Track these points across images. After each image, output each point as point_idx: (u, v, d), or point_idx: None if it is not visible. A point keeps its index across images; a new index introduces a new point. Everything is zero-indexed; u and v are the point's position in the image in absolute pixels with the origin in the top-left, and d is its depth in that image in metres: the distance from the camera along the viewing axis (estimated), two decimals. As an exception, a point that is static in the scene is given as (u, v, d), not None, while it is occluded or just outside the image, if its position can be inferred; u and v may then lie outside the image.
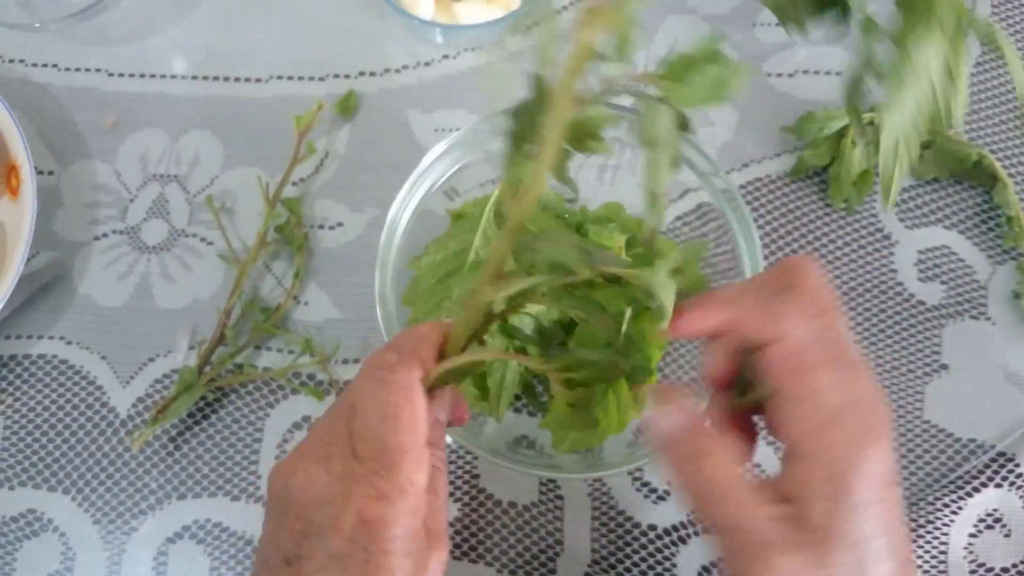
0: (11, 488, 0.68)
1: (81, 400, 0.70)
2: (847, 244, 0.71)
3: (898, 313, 0.69)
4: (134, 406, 0.69)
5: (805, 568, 0.34)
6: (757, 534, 0.35)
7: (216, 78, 0.78)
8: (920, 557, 0.63)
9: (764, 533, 0.35)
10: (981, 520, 0.64)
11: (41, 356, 0.71)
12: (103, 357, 0.71)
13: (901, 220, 0.71)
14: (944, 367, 0.68)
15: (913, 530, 0.63)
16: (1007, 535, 0.64)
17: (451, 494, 0.66)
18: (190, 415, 0.68)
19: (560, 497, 0.66)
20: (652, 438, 0.39)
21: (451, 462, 0.67)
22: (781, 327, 0.37)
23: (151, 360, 0.70)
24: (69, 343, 0.71)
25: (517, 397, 0.68)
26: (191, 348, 0.70)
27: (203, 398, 0.68)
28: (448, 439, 0.59)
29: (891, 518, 0.35)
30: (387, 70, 0.77)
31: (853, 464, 0.35)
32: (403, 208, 0.61)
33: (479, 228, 0.63)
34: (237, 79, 0.78)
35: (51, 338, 0.71)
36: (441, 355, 0.43)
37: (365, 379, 0.41)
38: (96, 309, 0.72)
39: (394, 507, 0.38)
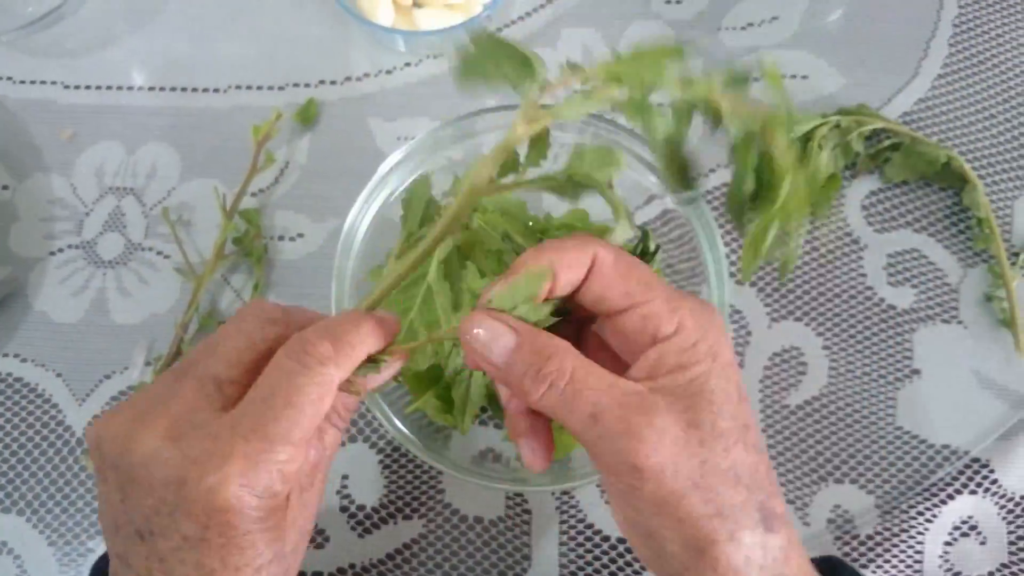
0: (-38, 511, 0.66)
1: (36, 419, 0.68)
2: (815, 249, 0.70)
3: (868, 318, 0.68)
4: (90, 424, 0.67)
5: (672, 433, 0.36)
6: (615, 419, 0.36)
7: (174, 89, 0.77)
8: (895, 566, 0.62)
9: (623, 415, 0.36)
10: (956, 528, 0.63)
11: (-6, 374, 0.69)
12: (58, 374, 0.69)
13: (870, 224, 0.70)
14: (916, 372, 0.67)
15: (887, 539, 0.62)
16: (982, 543, 0.63)
17: (415, 510, 0.64)
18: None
19: (527, 511, 0.64)
20: (488, 365, 0.39)
21: (415, 477, 0.65)
22: (589, 252, 0.39)
23: (107, 377, 0.69)
24: (24, 360, 0.70)
25: (483, 409, 0.66)
26: (147, 364, 0.68)
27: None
28: (413, 451, 0.57)
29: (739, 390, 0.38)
30: (348, 78, 0.76)
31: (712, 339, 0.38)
32: (361, 217, 0.60)
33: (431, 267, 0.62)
34: (195, 89, 0.76)
35: (5, 355, 0.70)
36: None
37: (286, 355, 0.38)
38: (51, 325, 0.70)
39: (258, 497, 0.36)
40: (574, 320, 0.43)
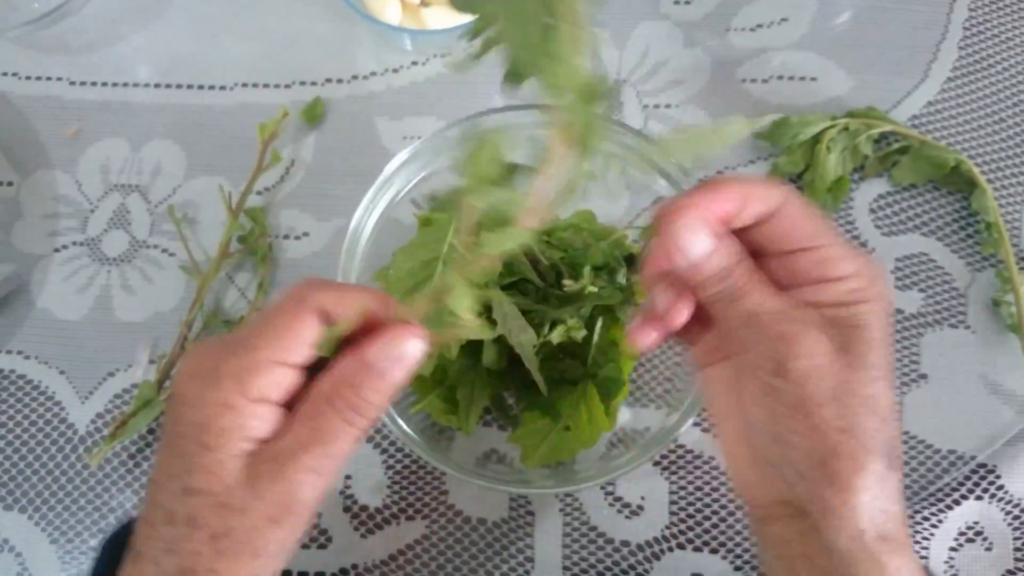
0: (-35, 508, 0.66)
1: (39, 416, 0.68)
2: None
3: (876, 322, 0.68)
4: (93, 422, 0.67)
5: (824, 347, 0.38)
6: (775, 320, 0.39)
7: (179, 86, 0.76)
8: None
9: (782, 319, 0.39)
10: (962, 533, 0.63)
11: (-2, 371, 0.69)
12: (62, 372, 0.69)
13: (878, 227, 0.70)
14: (923, 377, 0.66)
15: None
16: (988, 548, 0.63)
17: (418, 511, 0.64)
18: (150, 431, 0.67)
19: (531, 513, 0.64)
20: (680, 259, 0.40)
21: (419, 478, 0.65)
22: (776, 193, 0.41)
23: (111, 375, 0.68)
24: (27, 357, 0.69)
25: (487, 410, 0.66)
26: (151, 362, 0.68)
27: (163, 414, 0.66)
28: (417, 452, 0.57)
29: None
30: (355, 77, 0.76)
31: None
32: (366, 216, 0.60)
33: (447, 237, 0.61)
34: (201, 87, 0.76)
35: (8, 352, 0.70)
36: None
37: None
38: (55, 323, 0.70)
39: (201, 390, 0.36)
40: None
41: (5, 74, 0.77)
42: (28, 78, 0.77)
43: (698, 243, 0.40)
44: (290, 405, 0.38)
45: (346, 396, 0.38)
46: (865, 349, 0.39)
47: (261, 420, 0.37)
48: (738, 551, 0.63)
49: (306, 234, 0.71)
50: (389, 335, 0.38)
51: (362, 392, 0.38)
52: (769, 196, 0.40)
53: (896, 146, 0.71)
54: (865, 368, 0.38)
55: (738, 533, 0.63)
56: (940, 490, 0.64)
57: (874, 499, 0.38)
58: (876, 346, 0.39)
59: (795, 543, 0.40)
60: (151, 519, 0.37)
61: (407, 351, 0.38)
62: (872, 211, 0.70)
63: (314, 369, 0.39)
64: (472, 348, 0.60)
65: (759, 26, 0.76)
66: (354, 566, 0.63)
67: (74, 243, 0.72)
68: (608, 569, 0.63)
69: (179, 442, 0.37)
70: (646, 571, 0.63)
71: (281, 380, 0.37)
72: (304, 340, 0.37)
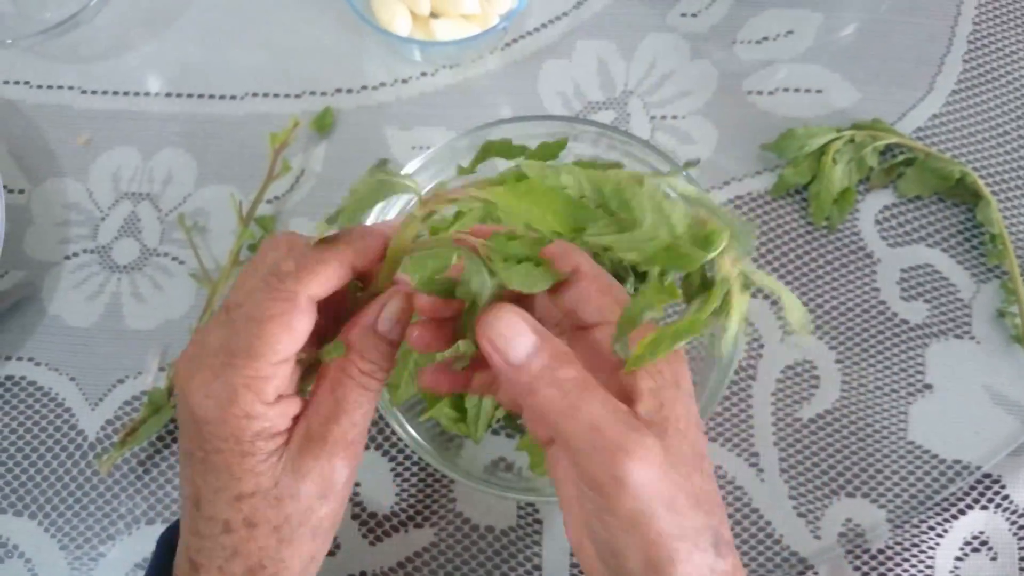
0: (-25, 513, 0.66)
1: (49, 423, 0.68)
2: (829, 263, 0.70)
3: (881, 332, 0.68)
4: (103, 429, 0.68)
5: (656, 454, 0.36)
6: (613, 433, 0.36)
7: (190, 95, 0.77)
8: (905, 581, 0.62)
9: (620, 430, 0.36)
10: (967, 543, 0.63)
11: (8, 378, 0.69)
12: (72, 379, 0.69)
13: (883, 238, 0.70)
14: (928, 387, 0.67)
15: (898, 553, 0.62)
16: (993, 558, 0.63)
17: (426, 519, 0.64)
18: (159, 438, 0.67)
19: (539, 521, 0.64)
20: (502, 362, 0.38)
21: (427, 485, 0.65)
22: (575, 260, 0.41)
23: (120, 382, 0.69)
24: (38, 364, 0.70)
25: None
26: (161, 369, 0.69)
27: (173, 421, 0.67)
28: (426, 459, 0.58)
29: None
30: (364, 87, 0.77)
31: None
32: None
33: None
34: (212, 96, 0.77)
35: (19, 359, 0.70)
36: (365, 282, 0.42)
37: (252, 275, 0.39)
38: (65, 330, 0.70)
39: (222, 409, 0.37)
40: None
41: (17, 83, 0.78)
42: (40, 87, 0.78)
43: (517, 338, 0.38)
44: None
45: (358, 363, 0.40)
46: (679, 443, 0.37)
47: (283, 415, 0.39)
48: (744, 560, 0.63)
49: (316, 243, 0.72)
50: (384, 299, 0.41)
51: (370, 356, 0.40)
52: (569, 260, 0.40)
53: (901, 158, 0.71)
54: (682, 464, 0.37)
55: (745, 542, 0.64)
56: (945, 499, 0.64)
57: None
58: (685, 435, 0.38)
59: None
60: (205, 533, 0.39)
61: (400, 309, 0.41)
62: (878, 222, 0.71)
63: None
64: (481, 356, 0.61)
65: (765, 38, 0.77)
66: (362, 573, 0.63)
67: (85, 251, 0.72)
68: (615, 577, 0.63)
69: (215, 458, 0.38)
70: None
71: (289, 373, 0.39)
72: (302, 334, 0.38)
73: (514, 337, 0.38)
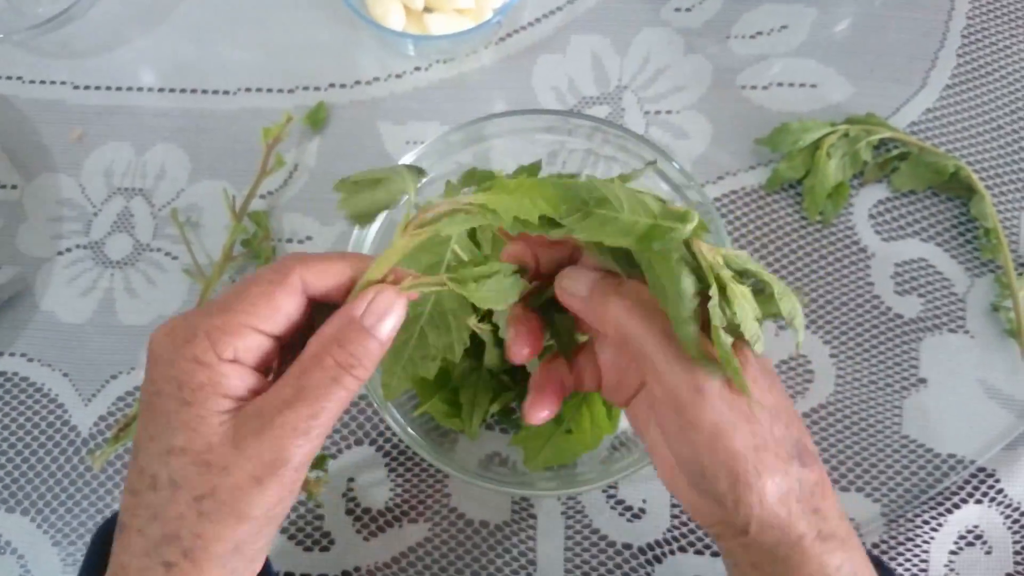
0: (-33, 510, 0.66)
1: (42, 418, 0.68)
2: (823, 257, 0.70)
3: (875, 327, 0.68)
4: (96, 424, 0.67)
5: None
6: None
7: (183, 90, 0.77)
8: (901, 575, 0.62)
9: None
10: (962, 537, 0.63)
11: (1, 373, 0.69)
12: (65, 374, 0.69)
13: (878, 233, 0.70)
14: (922, 381, 0.67)
15: (893, 547, 0.62)
16: (988, 552, 0.63)
17: (420, 513, 0.64)
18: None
19: (533, 516, 0.64)
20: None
21: (421, 480, 0.65)
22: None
23: (113, 377, 0.69)
24: (30, 360, 0.70)
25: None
26: (154, 365, 0.68)
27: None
28: (421, 454, 0.57)
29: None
30: (358, 82, 0.76)
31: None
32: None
33: (450, 242, 0.62)
34: (205, 91, 0.77)
35: (12, 355, 0.70)
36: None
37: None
38: (58, 325, 0.70)
39: (176, 347, 0.36)
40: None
41: (10, 78, 0.78)
42: (32, 82, 0.77)
43: (582, 278, 0.44)
44: (266, 374, 0.39)
45: (334, 353, 0.38)
46: (751, 359, 0.41)
47: (237, 379, 0.37)
48: (739, 554, 0.63)
49: (309, 238, 0.72)
50: (373, 292, 0.39)
51: (350, 348, 0.38)
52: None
53: (895, 152, 0.71)
54: (760, 378, 0.41)
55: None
56: (940, 494, 0.64)
57: (799, 502, 0.39)
58: (755, 360, 0.41)
59: (743, 556, 0.41)
60: (135, 488, 0.36)
61: (392, 307, 0.39)
62: (872, 216, 0.71)
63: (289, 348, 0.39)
64: (475, 350, 0.61)
65: (759, 33, 0.77)
66: (356, 568, 0.63)
67: (78, 246, 0.72)
68: (610, 572, 0.63)
69: (157, 401, 0.36)
70: (648, 574, 0.63)
71: (254, 345, 0.37)
72: (281, 311, 0.38)
73: (578, 277, 0.44)
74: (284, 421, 0.36)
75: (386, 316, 0.39)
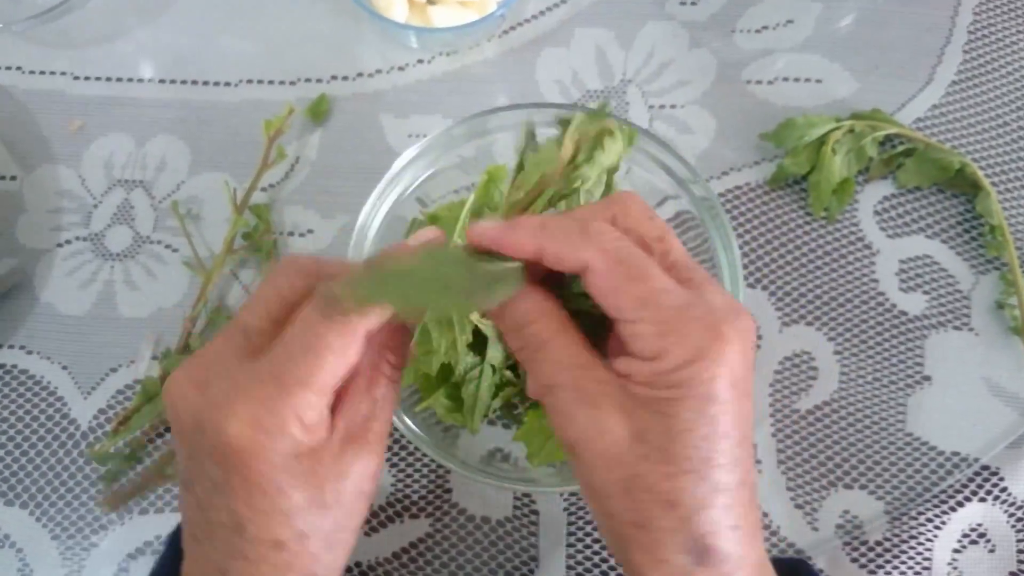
0: (-34, 503, 0.66)
1: (41, 411, 0.68)
2: (828, 253, 0.70)
3: (880, 324, 0.68)
4: (95, 418, 0.67)
5: (624, 432, 0.36)
6: (588, 388, 0.37)
7: (184, 82, 0.76)
8: (903, 573, 0.61)
9: (594, 389, 0.37)
10: (965, 535, 0.63)
11: (0, 366, 0.69)
12: (64, 367, 0.69)
13: (883, 229, 0.70)
14: (927, 378, 0.67)
15: (896, 545, 0.62)
16: (991, 550, 0.63)
17: (422, 509, 0.64)
18: (152, 427, 0.66)
19: (535, 512, 0.64)
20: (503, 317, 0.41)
21: (423, 476, 0.65)
22: (581, 256, 0.38)
23: (113, 370, 0.68)
24: (29, 352, 0.69)
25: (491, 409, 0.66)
26: (154, 358, 0.68)
27: (170, 428, 0.66)
28: (423, 448, 0.57)
29: (738, 423, 0.37)
30: (360, 74, 0.76)
31: (696, 360, 0.35)
32: (373, 214, 0.60)
33: (454, 235, 0.61)
34: (206, 83, 0.76)
35: (11, 347, 0.69)
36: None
37: (311, 306, 0.38)
38: (58, 318, 0.70)
39: (270, 438, 0.36)
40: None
41: (9, 68, 0.77)
42: (32, 72, 0.77)
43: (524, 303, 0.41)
44: None
45: (389, 359, 0.42)
46: (664, 441, 0.35)
47: (320, 430, 0.38)
48: (742, 551, 0.63)
49: (310, 231, 0.71)
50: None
51: (398, 351, 0.42)
52: (566, 259, 0.38)
53: (901, 148, 0.71)
54: (662, 463, 0.35)
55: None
56: (944, 491, 0.64)
57: None
58: (679, 438, 0.35)
59: None
60: (253, 557, 0.37)
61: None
62: (877, 213, 0.70)
63: None
64: (478, 346, 0.60)
65: (764, 28, 0.77)
66: (358, 564, 0.63)
67: (77, 238, 0.72)
68: (612, 568, 0.63)
69: (257, 480, 0.37)
70: (650, 571, 0.63)
71: (332, 395, 0.39)
72: (353, 365, 0.39)
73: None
74: (373, 435, 0.40)
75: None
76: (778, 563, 0.41)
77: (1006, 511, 0.63)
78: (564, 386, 0.37)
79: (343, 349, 0.37)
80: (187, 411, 0.37)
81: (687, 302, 0.37)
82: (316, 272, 0.41)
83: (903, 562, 0.62)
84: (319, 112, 0.74)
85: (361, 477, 0.39)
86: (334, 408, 0.39)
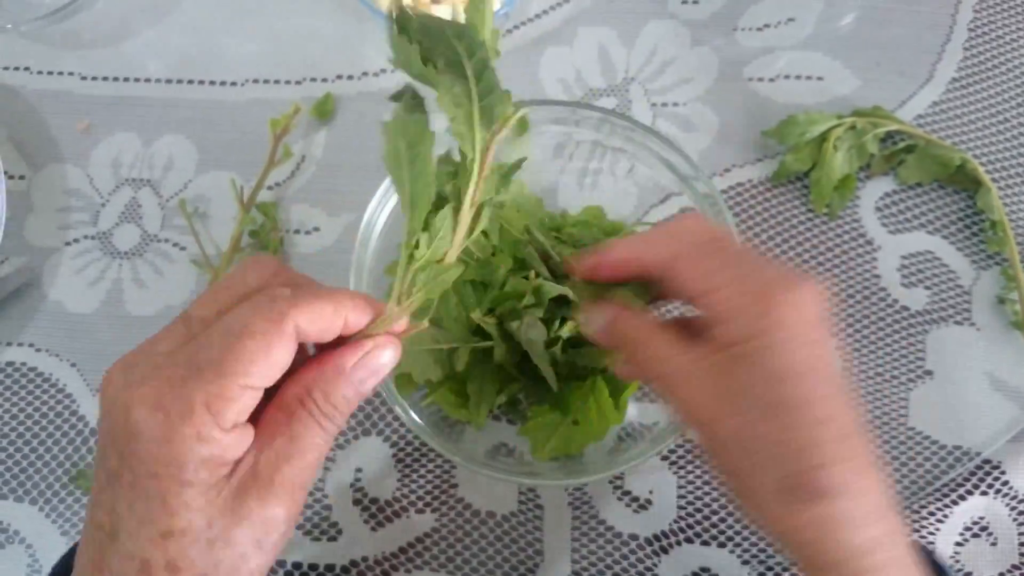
0: (-24, 499, 0.66)
1: (50, 408, 0.68)
2: (830, 249, 0.70)
3: (882, 319, 0.68)
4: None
5: (717, 390, 0.41)
6: (685, 368, 0.42)
7: (191, 81, 0.77)
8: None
9: (689, 367, 0.42)
10: (967, 529, 0.63)
11: (9, 364, 0.69)
12: (73, 364, 0.69)
13: (884, 225, 0.70)
14: (928, 373, 0.67)
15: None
16: (994, 544, 0.63)
17: (427, 504, 0.64)
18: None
19: (540, 506, 0.65)
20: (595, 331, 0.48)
21: (428, 471, 0.65)
22: (673, 249, 0.44)
23: (122, 367, 0.69)
24: (38, 350, 0.70)
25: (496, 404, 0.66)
26: (162, 355, 0.68)
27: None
28: (428, 442, 0.58)
29: (822, 360, 0.40)
30: (365, 73, 0.76)
31: (771, 303, 0.40)
32: (379, 210, 0.60)
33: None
34: (212, 82, 0.77)
35: (20, 345, 0.70)
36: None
37: (226, 291, 0.37)
38: (66, 316, 0.70)
39: (171, 426, 0.33)
40: None
41: (17, 68, 0.78)
42: (40, 73, 0.78)
43: (596, 317, 0.48)
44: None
45: (319, 402, 0.37)
46: (748, 386, 0.40)
47: (237, 446, 0.35)
48: (746, 545, 0.63)
49: (316, 229, 0.72)
50: (368, 345, 0.38)
51: (333, 399, 0.37)
52: (654, 254, 0.44)
53: (902, 145, 0.71)
54: (751, 408, 0.40)
55: (746, 527, 0.64)
56: (946, 485, 0.64)
57: (808, 529, 0.39)
58: (770, 380, 0.39)
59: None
60: (116, 571, 0.34)
61: (384, 363, 0.39)
62: (878, 209, 0.71)
63: None
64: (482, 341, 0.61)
65: (766, 26, 0.77)
66: (364, 558, 0.64)
67: (85, 237, 0.72)
68: (616, 563, 0.63)
69: (148, 483, 0.33)
70: (654, 565, 0.63)
71: (250, 404, 0.35)
72: (279, 365, 0.35)
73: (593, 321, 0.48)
74: (282, 479, 0.36)
75: (376, 375, 0.39)
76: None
77: (1008, 505, 0.63)
78: (672, 373, 0.43)
79: (267, 336, 0.34)
80: (104, 392, 0.35)
81: (761, 264, 0.42)
82: (275, 272, 0.39)
83: (905, 555, 0.62)
84: (325, 111, 0.74)
85: (260, 524, 0.35)
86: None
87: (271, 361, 0.35)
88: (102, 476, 0.35)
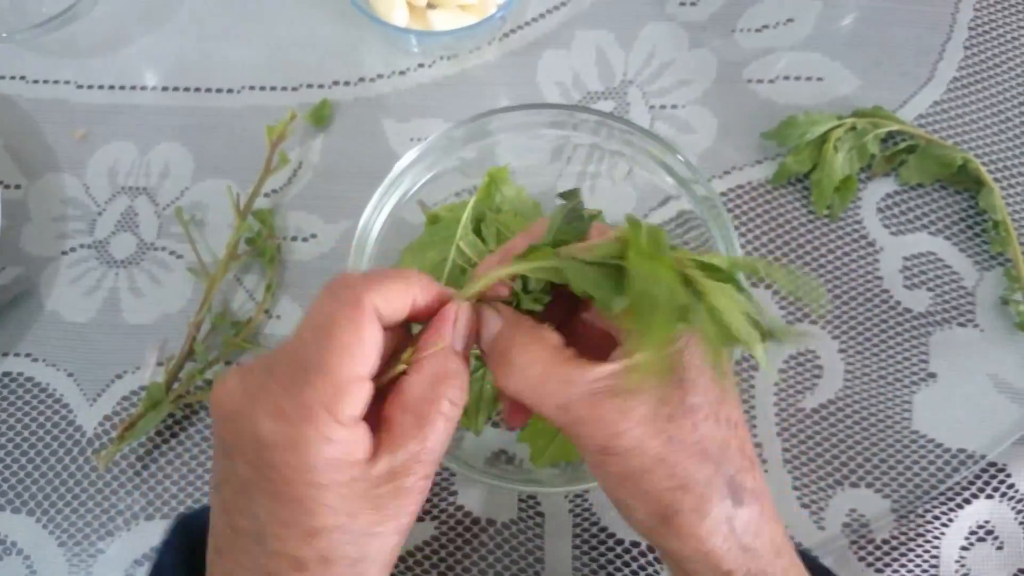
0: (-27, 510, 0.66)
1: (47, 419, 0.68)
2: (831, 251, 0.69)
3: (884, 321, 0.68)
4: (101, 424, 0.67)
5: (641, 414, 0.37)
6: (582, 409, 0.38)
7: (187, 89, 0.77)
8: (911, 571, 0.61)
9: (604, 386, 0.37)
10: (972, 532, 0.62)
11: (6, 374, 0.69)
12: (69, 374, 0.69)
13: (886, 227, 0.70)
14: (932, 376, 0.66)
15: (903, 543, 0.62)
16: (999, 547, 0.62)
17: (427, 512, 0.64)
18: (158, 433, 0.66)
19: (540, 514, 0.64)
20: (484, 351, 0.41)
21: (428, 478, 0.65)
22: None
23: (119, 377, 0.68)
24: (35, 360, 0.69)
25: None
26: (159, 364, 0.68)
27: (171, 415, 0.66)
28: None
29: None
30: (361, 79, 0.76)
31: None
32: (375, 216, 0.60)
33: (456, 238, 0.61)
34: (208, 90, 0.76)
35: (16, 355, 0.70)
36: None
37: (321, 293, 0.37)
38: (63, 325, 0.70)
39: (296, 430, 0.34)
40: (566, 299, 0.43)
41: (13, 77, 0.78)
42: (36, 81, 0.77)
43: (490, 320, 0.41)
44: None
45: (447, 394, 0.38)
46: (682, 393, 0.38)
47: (360, 441, 0.36)
48: (748, 551, 0.63)
49: (314, 235, 0.72)
50: (449, 315, 0.39)
51: (455, 382, 0.38)
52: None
53: (903, 145, 0.71)
54: (686, 414, 0.38)
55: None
56: (950, 489, 0.63)
57: (727, 540, 0.38)
58: (695, 383, 0.38)
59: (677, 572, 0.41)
60: (270, 570, 0.35)
61: (470, 319, 0.40)
62: (880, 210, 0.70)
63: None
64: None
65: (765, 27, 0.77)
66: (363, 567, 0.63)
67: (82, 245, 0.72)
68: (618, 570, 0.63)
69: (285, 489, 0.34)
70: (656, 572, 0.63)
71: (364, 395, 0.36)
72: (375, 349, 0.36)
73: (482, 324, 0.41)
74: (416, 474, 0.37)
75: (468, 335, 0.40)
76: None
77: (1013, 508, 0.63)
78: (580, 396, 0.38)
79: (352, 323, 0.35)
80: (224, 402, 0.36)
81: None
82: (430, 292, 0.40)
83: (910, 560, 0.61)
84: (321, 117, 0.74)
85: (396, 519, 0.37)
86: (377, 443, 0.37)
87: (365, 348, 0.35)
88: (235, 483, 0.36)
